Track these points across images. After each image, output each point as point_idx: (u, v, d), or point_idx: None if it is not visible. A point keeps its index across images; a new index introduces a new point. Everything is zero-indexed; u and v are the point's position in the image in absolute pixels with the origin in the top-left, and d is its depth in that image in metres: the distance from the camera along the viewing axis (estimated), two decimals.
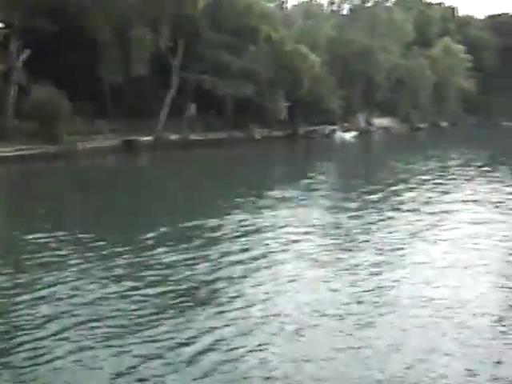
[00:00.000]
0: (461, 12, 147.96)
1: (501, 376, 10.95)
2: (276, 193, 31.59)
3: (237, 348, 11.82)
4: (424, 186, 34.91)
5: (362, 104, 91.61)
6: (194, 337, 12.32)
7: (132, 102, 55.61)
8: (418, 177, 39.63)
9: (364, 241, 21.08)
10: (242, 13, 63.94)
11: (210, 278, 16.31)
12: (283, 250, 19.45)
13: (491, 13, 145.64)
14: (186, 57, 59.72)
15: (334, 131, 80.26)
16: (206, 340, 12.17)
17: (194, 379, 10.65)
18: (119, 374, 10.72)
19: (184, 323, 13.03)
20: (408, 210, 27.18)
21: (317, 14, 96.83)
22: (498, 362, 11.46)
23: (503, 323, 13.43)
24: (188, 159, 51.59)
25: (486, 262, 18.45)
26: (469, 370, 11.09)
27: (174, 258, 18.05)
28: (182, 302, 14.29)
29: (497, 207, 28.28)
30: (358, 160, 58.64)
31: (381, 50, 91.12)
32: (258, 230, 22.45)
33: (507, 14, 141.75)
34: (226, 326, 12.93)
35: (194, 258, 18.07)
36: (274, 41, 68.39)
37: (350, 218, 25.30)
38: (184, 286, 15.48)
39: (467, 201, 29.93)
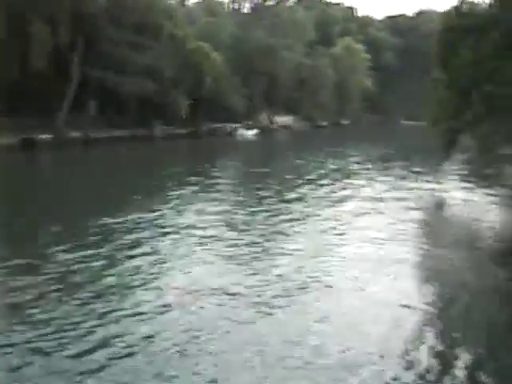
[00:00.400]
0: (360, 13, 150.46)
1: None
2: (174, 192, 31.44)
3: (127, 346, 11.79)
4: (324, 183, 35.49)
5: (265, 102, 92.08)
6: (84, 335, 12.21)
7: (32, 99, 54.39)
8: (317, 173, 40.22)
9: (261, 235, 21.36)
10: (144, 10, 63.53)
11: (104, 273, 16.25)
12: (176, 245, 19.61)
13: (389, 14, 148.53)
14: (88, 54, 59.01)
15: (236, 129, 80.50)
16: (96, 336, 12.11)
17: (81, 376, 10.58)
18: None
19: (74, 323, 12.83)
20: (309, 206, 27.69)
21: (218, 11, 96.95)
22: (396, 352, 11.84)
23: (397, 313, 13.85)
24: (88, 157, 50.98)
25: (383, 253, 19.02)
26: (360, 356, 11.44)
27: (69, 256, 17.83)
28: (73, 300, 14.13)
29: (397, 201, 29.03)
30: (256, 158, 58.81)
31: (284, 49, 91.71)
32: (154, 227, 22.52)
33: (405, 15, 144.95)
34: (116, 322, 12.92)
35: (88, 256, 17.96)
36: (177, 38, 68.16)
37: (251, 213, 25.64)
38: (75, 284, 15.35)
39: (367, 196, 30.52)
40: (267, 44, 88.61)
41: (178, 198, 28.98)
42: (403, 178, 38.35)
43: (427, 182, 36.53)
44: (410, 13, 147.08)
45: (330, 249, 19.56)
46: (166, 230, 22.04)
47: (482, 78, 27.28)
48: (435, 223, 25.91)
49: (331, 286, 15.59)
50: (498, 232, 23.47)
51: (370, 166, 45.71)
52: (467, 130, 29.69)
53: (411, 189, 33.12)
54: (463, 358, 11.73)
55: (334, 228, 22.77)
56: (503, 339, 12.99)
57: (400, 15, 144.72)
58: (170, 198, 29.23)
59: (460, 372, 11.12)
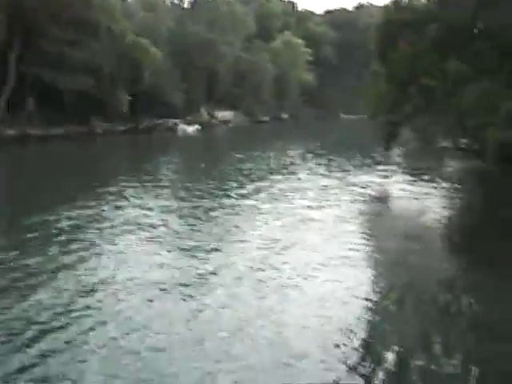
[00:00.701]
0: (300, 7, 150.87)
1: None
2: (113, 188, 30.74)
3: (62, 343, 11.64)
4: (264, 177, 35.61)
5: (205, 97, 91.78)
6: (16, 334, 12.00)
7: None
8: (258, 167, 40.32)
9: (199, 230, 21.38)
10: (81, 4, 62.64)
11: (39, 270, 16.02)
12: (114, 241, 19.55)
13: (329, 8, 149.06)
14: (26, 50, 58.04)
15: (177, 124, 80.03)
16: (28, 335, 11.94)
17: (14, 375, 10.40)
18: None
19: (5, 320, 12.67)
20: (249, 200, 27.67)
21: (157, 6, 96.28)
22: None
23: (338, 307, 13.97)
24: (24, 155, 50.07)
25: (325, 248, 19.16)
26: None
27: (1, 256, 17.54)
28: (4, 298, 13.95)
29: (339, 195, 29.24)
30: (197, 153, 58.36)
31: (223, 43, 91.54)
32: (91, 223, 22.31)
33: (344, 9, 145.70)
34: (50, 319, 12.75)
35: (23, 253, 17.67)
36: (115, 33, 67.44)
37: (190, 208, 25.53)
38: (9, 281, 15.14)
39: (309, 190, 30.63)
40: (206, 38, 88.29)
41: (117, 194, 28.60)
42: (345, 171, 38.48)
43: (368, 175, 36.72)
44: (349, 7, 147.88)
45: (272, 243, 19.50)
46: (103, 225, 21.84)
47: (421, 72, 27.60)
48: (379, 216, 26.04)
49: (272, 281, 15.55)
50: (442, 223, 23.70)
51: (310, 160, 45.82)
52: (407, 122, 30.01)
53: (353, 182, 33.28)
54: (396, 350, 11.82)
55: (276, 222, 22.78)
56: (438, 331, 13.03)
57: (339, 9, 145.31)
58: (109, 194, 28.82)
59: (392, 364, 11.27)
